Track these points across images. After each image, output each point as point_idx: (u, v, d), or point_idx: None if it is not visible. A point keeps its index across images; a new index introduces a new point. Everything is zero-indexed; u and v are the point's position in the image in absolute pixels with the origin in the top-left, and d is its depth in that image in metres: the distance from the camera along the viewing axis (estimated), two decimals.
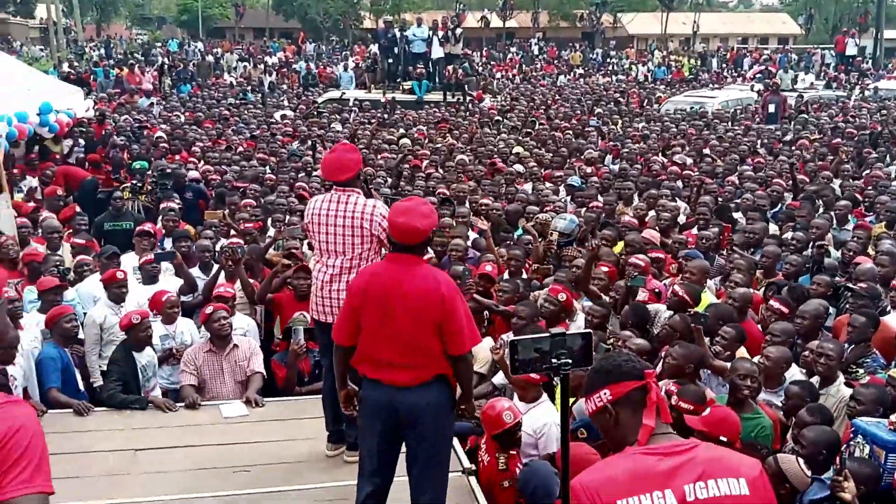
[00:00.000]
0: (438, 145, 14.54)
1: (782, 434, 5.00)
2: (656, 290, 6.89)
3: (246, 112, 18.90)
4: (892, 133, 14.69)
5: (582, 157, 13.17)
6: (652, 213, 9.42)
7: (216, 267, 7.53)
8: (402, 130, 16.19)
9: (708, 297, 6.73)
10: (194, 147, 13.88)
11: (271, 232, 8.74)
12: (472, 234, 8.69)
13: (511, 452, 4.72)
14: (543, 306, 6.31)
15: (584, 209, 9.63)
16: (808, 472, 4.09)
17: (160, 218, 9.13)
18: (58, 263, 7.30)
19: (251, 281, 7.27)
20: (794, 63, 34.99)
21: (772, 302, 6.37)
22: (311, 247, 7.81)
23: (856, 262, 7.39)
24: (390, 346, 4.01)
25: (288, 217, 9.20)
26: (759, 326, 6.36)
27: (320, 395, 5.42)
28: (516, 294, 6.65)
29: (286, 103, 21.88)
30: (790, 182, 10.87)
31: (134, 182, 10.19)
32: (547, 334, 3.13)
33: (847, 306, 6.62)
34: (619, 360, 2.55)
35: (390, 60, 22.55)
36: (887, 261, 7.26)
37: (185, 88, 25.20)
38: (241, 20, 53.76)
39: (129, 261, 7.57)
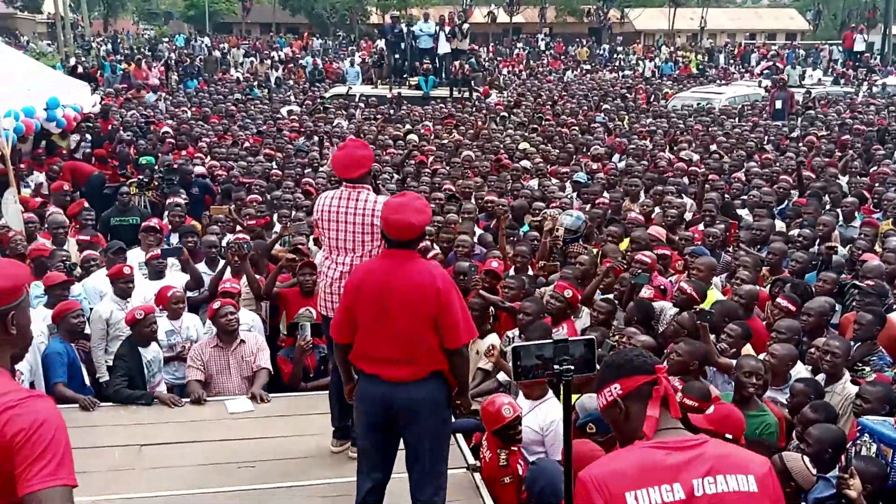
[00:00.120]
0: (444, 141, 14.53)
1: (788, 431, 4.99)
2: (662, 287, 6.88)
3: (252, 107, 18.91)
4: None
5: (588, 153, 13.15)
6: (658, 209, 9.40)
7: (222, 262, 7.54)
8: (408, 126, 16.17)
9: (714, 294, 6.72)
10: (201, 142, 13.90)
11: (277, 227, 8.75)
12: (478, 231, 8.69)
13: (512, 448, 4.72)
14: (549, 303, 6.31)
15: (590, 205, 9.62)
16: (814, 471, 4.08)
17: (166, 213, 9.15)
18: (64, 259, 7.32)
19: (257, 277, 7.28)
20: (801, 59, 34.89)
21: (779, 299, 6.36)
22: (316, 243, 7.82)
23: (862, 259, 7.37)
24: (387, 341, 4.01)
25: (294, 213, 9.22)
26: (764, 323, 6.35)
27: (326, 391, 5.43)
28: (522, 290, 6.65)
29: (293, 99, 21.87)
30: (797, 179, 10.83)
31: (141, 177, 10.21)
32: (549, 340, 3.14)
33: (854, 303, 6.60)
34: (631, 354, 2.59)
35: (397, 56, 22.52)
36: (894, 258, 7.23)
37: (191, 84, 25.21)
38: (247, 15, 53.76)
39: (136, 256, 7.59)
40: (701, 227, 8.75)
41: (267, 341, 6.60)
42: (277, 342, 6.96)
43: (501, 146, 13.70)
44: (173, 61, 28.91)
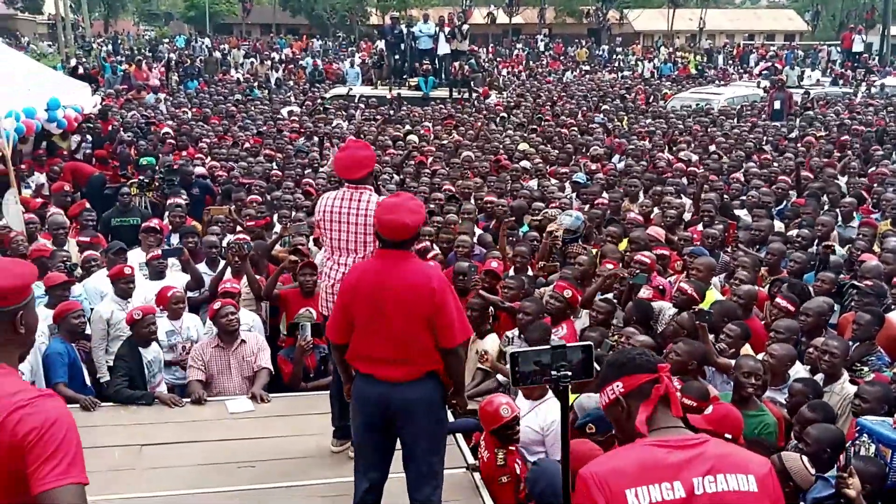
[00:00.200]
0: (444, 142, 14.54)
1: (786, 431, 5.00)
2: (660, 287, 6.89)
3: (252, 108, 18.92)
4: None
5: (587, 153, 13.16)
6: (657, 209, 9.42)
7: (223, 263, 7.56)
8: (408, 127, 16.19)
9: (713, 294, 6.73)
10: (201, 143, 13.91)
11: (277, 228, 8.77)
12: (478, 231, 8.70)
13: (510, 448, 4.74)
14: (549, 303, 6.33)
15: (589, 206, 9.63)
16: (813, 471, 4.10)
17: (167, 214, 9.16)
18: (65, 259, 7.34)
19: (257, 277, 7.29)
20: (800, 60, 34.93)
21: (778, 299, 6.37)
22: (317, 243, 7.84)
23: (861, 259, 7.38)
24: (382, 341, 4.03)
25: (294, 213, 9.23)
26: (763, 324, 6.37)
27: (326, 391, 5.45)
28: (521, 290, 6.66)
29: (293, 99, 21.88)
30: (795, 179, 10.85)
31: (141, 178, 10.22)
32: (547, 347, 3.17)
33: (852, 304, 6.62)
34: (633, 353, 2.61)
35: (396, 57, 22.52)
36: (892, 258, 7.24)
37: (192, 85, 25.21)
38: (247, 16, 53.75)
39: (136, 257, 7.60)
40: (700, 227, 8.76)
41: (267, 341, 6.62)
42: (277, 342, 6.98)
43: (501, 147, 13.72)
44: (174, 62, 28.88)
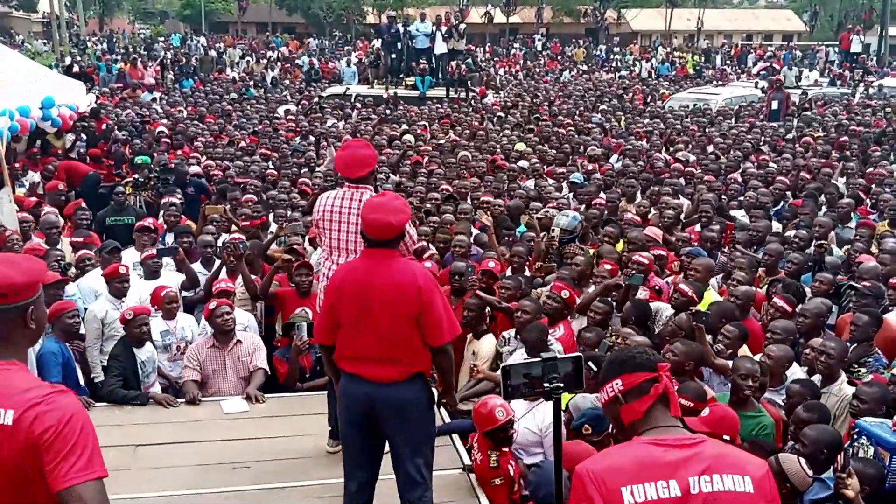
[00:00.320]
0: (441, 141, 14.52)
1: (784, 433, 4.98)
2: (657, 288, 6.87)
3: (248, 107, 18.89)
4: None
5: (584, 153, 13.15)
6: (654, 210, 9.40)
7: (218, 262, 7.53)
8: (404, 126, 16.17)
9: (711, 295, 6.71)
10: (196, 142, 13.88)
11: (273, 227, 8.74)
12: (475, 231, 8.68)
13: (503, 450, 4.71)
14: (546, 303, 6.30)
15: (584, 205, 9.61)
16: (810, 472, 4.08)
17: (162, 213, 9.13)
18: (59, 258, 7.30)
19: (252, 277, 7.26)
20: (798, 60, 34.95)
21: (775, 299, 6.35)
22: (312, 243, 7.81)
23: (859, 260, 7.37)
24: (369, 341, 4.00)
25: (290, 213, 9.20)
26: (760, 324, 6.35)
27: (321, 392, 5.43)
28: (519, 291, 6.64)
29: (289, 98, 21.86)
30: (793, 179, 10.85)
31: (136, 177, 10.18)
32: (537, 359, 3.18)
33: (850, 305, 6.60)
34: (633, 351, 2.62)
35: (393, 56, 22.47)
36: (889, 259, 7.23)
37: (187, 83, 25.18)
38: (243, 15, 53.71)
39: (131, 256, 7.56)
40: (697, 227, 8.75)
41: (262, 341, 6.58)
42: (273, 342, 6.96)
43: (498, 147, 13.70)
44: (169, 61, 28.88)
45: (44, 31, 52.15)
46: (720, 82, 27.93)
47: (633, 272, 6.73)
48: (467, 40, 24.48)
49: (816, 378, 5.37)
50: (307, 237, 8.14)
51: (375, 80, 22.83)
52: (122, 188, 9.72)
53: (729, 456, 2.43)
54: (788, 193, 10.39)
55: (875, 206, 9.82)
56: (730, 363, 5.23)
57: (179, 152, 13.14)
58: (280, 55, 33.64)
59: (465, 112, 18.20)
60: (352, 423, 4.17)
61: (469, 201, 9.65)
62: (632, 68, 35.06)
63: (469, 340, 6.40)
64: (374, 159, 4.92)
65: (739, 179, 11.27)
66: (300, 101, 20.55)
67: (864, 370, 5.68)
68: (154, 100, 20.52)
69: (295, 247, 7.53)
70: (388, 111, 18.55)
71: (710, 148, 13.66)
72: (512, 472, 4.71)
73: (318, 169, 12.01)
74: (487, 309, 6.57)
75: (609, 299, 6.53)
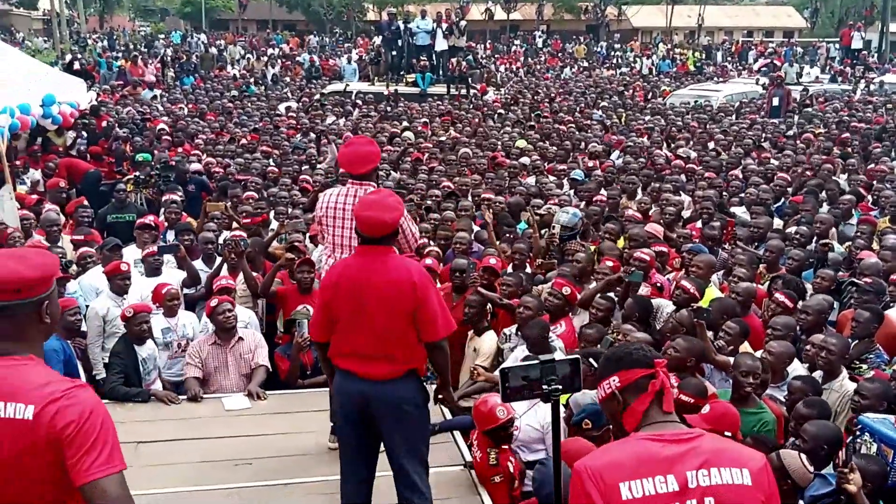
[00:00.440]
0: (442, 138, 14.51)
1: (786, 429, 4.99)
2: (658, 285, 6.87)
3: (249, 105, 18.89)
4: None
5: (585, 150, 13.14)
6: (655, 206, 9.40)
7: (219, 259, 7.53)
8: (405, 123, 16.16)
9: (712, 291, 6.71)
10: (197, 139, 13.88)
11: (274, 225, 8.73)
12: (476, 228, 8.68)
13: (502, 447, 4.72)
14: (548, 300, 6.31)
15: (585, 202, 9.60)
16: (811, 468, 4.08)
17: (163, 210, 9.13)
18: (60, 256, 7.30)
19: (254, 274, 7.26)
20: (799, 56, 34.90)
21: (777, 295, 6.35)
22: (313, 240, 7.81)
23: (860, 256, 7.37)
24: (364, 337, 4.00)
25: (291, 210, 9.20)
26: (762, 321, 6.35)
27: (323, 388, 5.42)
28: (520, 288, 6.64)
29: (290, 96, 21.86)
30: (794, 176, 10.85)
31: (137, 174, 10.18)
32: (535, 362, 3.20)
33: (851, 301, 6.60)
34: (631, 348, 2.62)
35: (394, 53, 22.45)
36: (890, 255, 7.23)
37: (188, 80, 25.16)
38: (244, 12, 53.69)
39: (132, 253, 7.57)
40: (698, 224, 8.75)
41: (264, 338, 6.58)
42: (275, 339, 6.96)
43: (499, 143, 13.69)
44: (169, 58, 28.84)
45: (44, 28, 52.19)
46: (721, 79, 27.87)
47: (634, 269, 6.73)
48: (468, 37, 24.46)
49: (817, 374, 5.37)
50: (308, 234, 8.14)
51: (376, 77, 22.81)
52: (122, 185, 9.72)
53: (726, 450, 2.44)
54: (789, 190, 10.38)
55: (876, 203, 9.82)
56: (731, 360, 5.23)
57: (180, 149, 13.15)
58: (280, 52, 33.63)
59: (466, 109, 18.19)
60: (347, 421, 4.18)
61: (470, 198, 9.64)
62: (632, 65, 35.00)
63: (470, 337, 6.40)
64: (377, 156, 4.93)
65: (740, 176, 11.25)
66: (301, 99, 20.54)
67: (865, 366, 5.68)
68: (155, 97, 20.51)
69: (296, 244, 7.54)
70: (388, 108, 18.55)
71: (710, 144, 13.64)
72: (512, 469, 4.72)
73: (318, 166, 12.01)
74: (489, 306, 6.57)
75: (611, 295, 6.53)
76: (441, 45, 21.87)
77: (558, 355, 3.74)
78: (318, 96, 20.19)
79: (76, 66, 23.92)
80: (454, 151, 12.75)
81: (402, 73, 22.09)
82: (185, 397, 5.92)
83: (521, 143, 13.62)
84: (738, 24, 58.09)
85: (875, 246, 7.92)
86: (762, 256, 7.63)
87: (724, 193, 10.21)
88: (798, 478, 4.04)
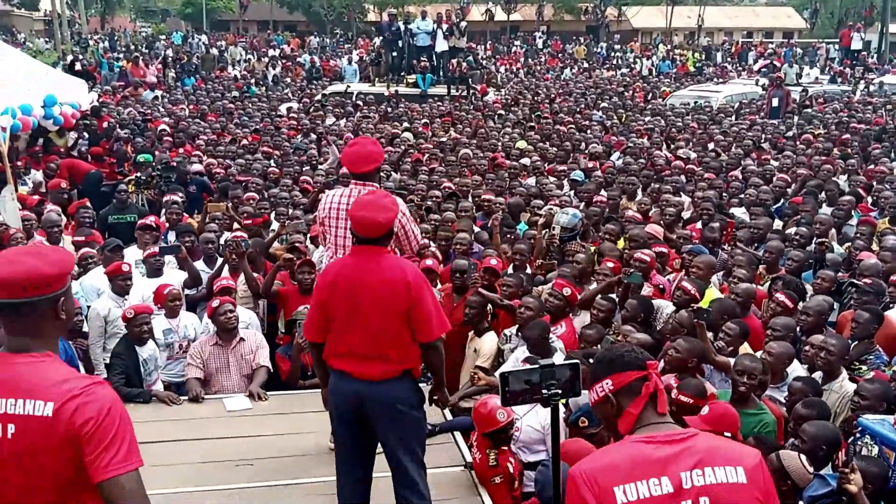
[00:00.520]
0: (442, 139, 14.52)
1: (786, 430, 4.99)
2: (661, 287, 6.87)
3: (250, 105, 18.90)
4: None
5: (585, 151, 13.15)
6: (655, 207, 9.41)
7: (220, 260, 7.54)
8: (405, 124, 16.17)
9: (713, 292, 6.72)
10: (198, 140, 13.89)
11: (275, 225, 8.75)
12: (476, 228, 8.69)
13: (502, 448, 4.73)
14: (548, 301, 6.31)
15: (585, 203, 9.61)
16: (811, 469, 4.09)
17: (164, 211, 9.14)
18: None
19: (255, 275, 7.27)
20: (798, 57, 34.92)
21: (777, 295, 6.36)
22: (314, 241, 7.82)
23: (859, 257, 7.38)
24: (359, 338, 4.02)
25: (292, 211, 9.21)
26: (761, 322, 6.36)
27: None
28: (520, 288, 6.65)
29: (291, 96, 21.87)
30: (793, 176, 10.86)
31: (138, 175, 10.20)
32: (536, 366, 3.22)
33: (851, 302, 6.61)
34: (622, 350, 2.60)
35: (394, 54, 22.46)
36: (890, 256, 7.24)
37: (189, 81, 25.18)
38: (244, 13, 53.69)
39: (133, 254, 7.58)
40: (698, 225, 8.75)
41: (265, 339, 6.59)
42: (275, 340, 6.97)
43: (499, 144, 13.70)
44: (171, 59, 28.87)
45: (45, 29, 52.15)
46: (721, 80, 27.87)
47: (633, 270, 6.74)
48: (468, 38, 24.47)
49: (817, 375, 5.38)
50: (309, 235, 8.15)
51: (376, 78, 22.81)
52: (124, 186, 9.74)
53: (721, 448, 2.43)
54: (789, 191, 10.39)
55: (876, 204, 9.82)
56: (731, 360, 5.24)
57: (181, 150, 13.17)
58: (281, 53, 33.63)
59: (467, 110, 18.20)
60: (342, 421, 4.19)
61: (470, 199, 9.65)
62: (632, 66, 35.02)
63: (471, 338, 6.41)
64: (380, 156, 4.94)
65: (740, 177, 11.26)
66: (301, 100, 20.57)
67: (865, 367, 5.69)
68: (156, 98, 20.53)
69: (297, 245, 7.55)
70: (389, 109, 18.56)
71: (710, 145, 13.64)
72: (511, 470, 4.73)
73: (319, 167, 12.02)
74: (489, 306, 6.58)
75: (612, 296, 6.54)
76: (441, 45, 21.87)
77: (558, 358, 3.76)
78: (318, 97, 20.20)
79: (77, 66, 23.93)
80: (454, 152, 12.76)
81: (402, 73, 22.10)
82: (186, 398, 5.92)
83: (522, 144, 13.63)
84: (738, 25, 58.06)
85: (875, 247, 7.93)
86: (762, 257, 7.64)
87: (724, 194, 10.21)
88: (797, 478, 4.05)
